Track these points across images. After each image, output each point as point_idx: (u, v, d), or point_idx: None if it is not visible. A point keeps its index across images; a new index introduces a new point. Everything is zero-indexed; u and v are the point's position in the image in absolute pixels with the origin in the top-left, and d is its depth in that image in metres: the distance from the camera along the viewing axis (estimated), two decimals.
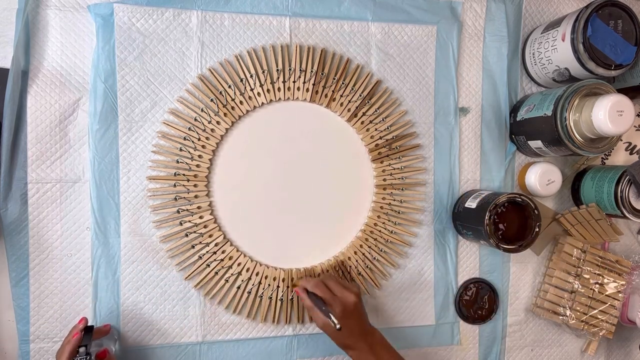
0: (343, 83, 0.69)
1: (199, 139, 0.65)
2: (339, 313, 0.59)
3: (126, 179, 0.64)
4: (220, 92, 0.65)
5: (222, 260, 0.66)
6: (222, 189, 0.66)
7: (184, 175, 0.65)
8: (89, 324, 0.60)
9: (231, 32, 0.66)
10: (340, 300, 0.59)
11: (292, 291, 0.68)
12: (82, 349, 0.54)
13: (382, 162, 0.71)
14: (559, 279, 0.74)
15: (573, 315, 0.73)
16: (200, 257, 0.66)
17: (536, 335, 0.78)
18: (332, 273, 0.69)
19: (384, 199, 0.71)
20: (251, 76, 0.66)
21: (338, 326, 0.57)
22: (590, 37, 0.63)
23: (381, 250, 0.71)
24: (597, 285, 0.74)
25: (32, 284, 0.62)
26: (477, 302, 0.74)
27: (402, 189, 0.71)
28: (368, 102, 0.70)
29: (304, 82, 0.67)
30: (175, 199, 0.65)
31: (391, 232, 0.71)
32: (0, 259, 0.61)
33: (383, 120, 0.70)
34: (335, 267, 0.69)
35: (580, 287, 0.73)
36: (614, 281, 0.74)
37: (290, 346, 0.69)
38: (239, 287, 0.67)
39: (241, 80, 0.66)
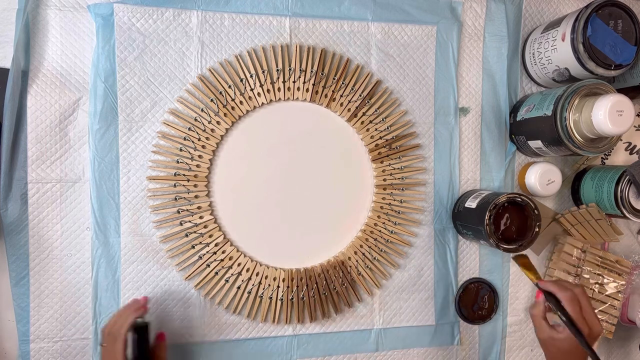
0: (343, 83, 0.69)
1: (199, 139, 0.65)
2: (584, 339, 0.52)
3: (126, 179, 0.64)
4: (220, 92, 0.65)
5: (222, 260, 0.66)
6: (222, 189, 0.66)
7: (184, 175, 0.65)
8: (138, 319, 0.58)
9: (231, 32, 0.66)
10: (589, 325, 0.53)
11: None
12: (139, 320, 0.56)
13: (382, 162, 0.71)
14: (559, 279, 0.74)
15: None
16: (201, 257, 0.65)
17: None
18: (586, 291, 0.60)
19: (384, 199, 0.71)
20: (251, 76, 0.66)
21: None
22: (590, 37, 0.63)
23: (381, 250, 0.71)
24: (597, 285, 0.74)
25: (32, 284, 0.62)
26: (477, 302, 0.74)
27: (402, 189, 0.71)
28: (368, 102, 0.70)
29: (304, 82, 0.67)
30: (176, 199, 0.65)
31: (391, 232, 0.71)
32: (0, 259, 0.61)
33: (383, 120, 0.70)
34: (335, 267, 0.69)
35: None
36: (614, 281, 0.74)
37: (290, 346, 0.69)
38: (239, 287, 0.67)
39: (241, 81, 0.66)
